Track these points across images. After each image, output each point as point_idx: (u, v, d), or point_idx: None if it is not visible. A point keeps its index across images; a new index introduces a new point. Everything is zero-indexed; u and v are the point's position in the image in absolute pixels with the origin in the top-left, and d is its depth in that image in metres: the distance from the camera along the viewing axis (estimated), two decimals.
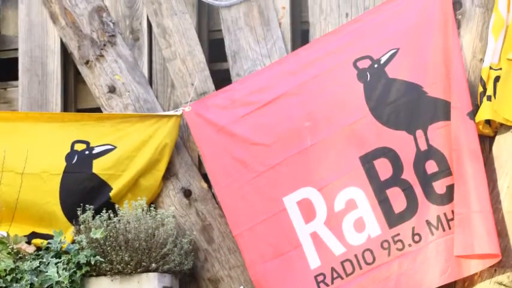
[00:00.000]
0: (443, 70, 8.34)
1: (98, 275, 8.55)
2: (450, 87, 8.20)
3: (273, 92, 8.82)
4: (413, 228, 8.27)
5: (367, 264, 8.38)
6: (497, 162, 8.11)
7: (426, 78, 8.43)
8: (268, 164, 8.74)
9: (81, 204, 8.86)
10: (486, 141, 8.38)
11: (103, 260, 8.43)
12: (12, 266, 8.35)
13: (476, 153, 7.99)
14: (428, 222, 8.23)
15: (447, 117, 8.22)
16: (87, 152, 9.28)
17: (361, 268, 8.39)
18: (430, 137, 8.31)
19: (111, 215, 8.71)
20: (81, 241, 8.52)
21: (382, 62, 8.56)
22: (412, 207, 8.30)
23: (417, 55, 8.51)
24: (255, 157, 8.80)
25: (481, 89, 8.26)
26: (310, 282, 8.53)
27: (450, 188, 8.13)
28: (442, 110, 8.32)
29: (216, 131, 8.93)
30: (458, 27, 8.44)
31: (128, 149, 9.24)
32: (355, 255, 8.43)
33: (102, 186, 9.27)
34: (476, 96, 8.30)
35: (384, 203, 8.36)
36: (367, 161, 8.45)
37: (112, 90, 9.69)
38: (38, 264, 8.39)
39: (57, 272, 8.24)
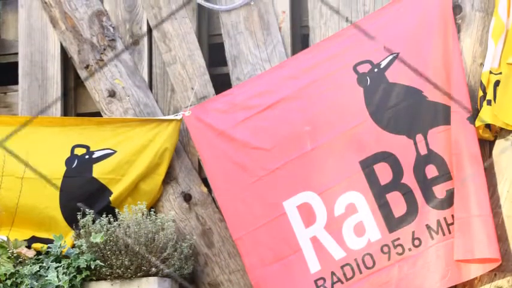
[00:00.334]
0: (444, 74, 8.35)
1: (98, 279, 8.55)
2: (450, 92, 8.21)
3: (273, 96, 8.83)
4: (413, 232, 8.28)
5: (367, 268, 8.38)
6: (497, 167, 8.12)
7: (426, 82, 8.44)
8: (269, 168, 8.75)
9: (81, 209, 8.83)
10: (486, 146, 8.38)
11: (103, 264, 8.44)
12: (12, 270, 8.35)
13: (476, 157, 8.00)
14: (428, 227, 8.23)
15: (447, 121, 8.23)
16: (87, 157, 9.28)
17: (361, 272, 8.39)
18: (430, 141, 8.32)
19: (111, 220, 8.70)
20: (81, 245, 8.52)
21: (382, 66, 8.57)
22: (412, 212, 8.31)
23: (417, 60, 8.52)
24: (255, 161, 8.80)
25: (481, 93, 8.26)
26: (310, 287, 8.53)
27: (450, 193, 8.14)
28: (442, 115, 8.33)
29: (216, 135, 8.93)
30: (458, 31, 8.45)
31: (128, 153, 9.24)
32: (355, 260, 8.44)
33: (102, 190, 9.27)
34: (476, 101, 8.30)
35: (384, 208, 8.37)
36: (367, 165, 8.46)
37: (112, 94, 9.70)
38: (38, 269, 8.39)
39: (57, 277, 8.24)
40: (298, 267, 8.62)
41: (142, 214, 8.70)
